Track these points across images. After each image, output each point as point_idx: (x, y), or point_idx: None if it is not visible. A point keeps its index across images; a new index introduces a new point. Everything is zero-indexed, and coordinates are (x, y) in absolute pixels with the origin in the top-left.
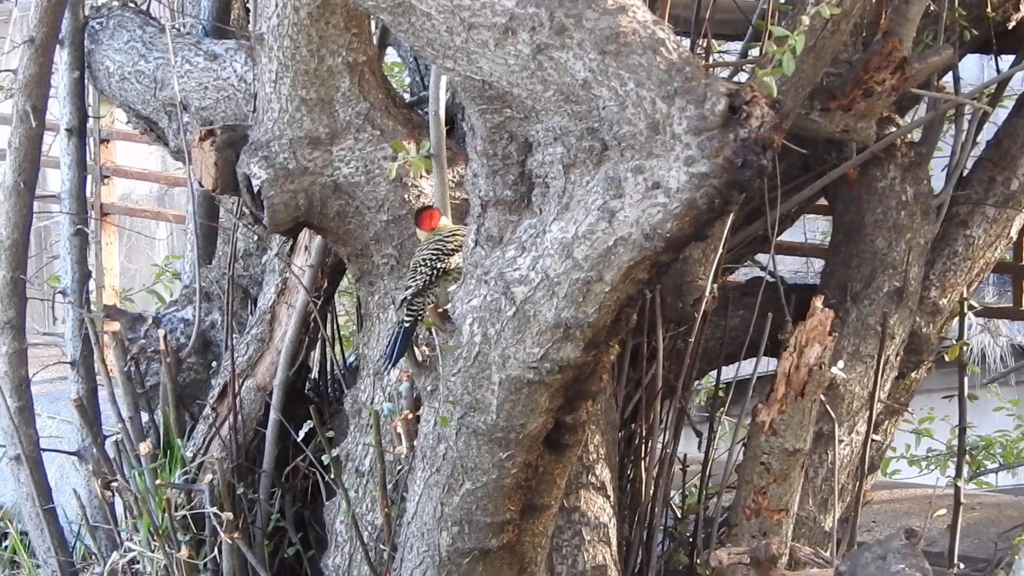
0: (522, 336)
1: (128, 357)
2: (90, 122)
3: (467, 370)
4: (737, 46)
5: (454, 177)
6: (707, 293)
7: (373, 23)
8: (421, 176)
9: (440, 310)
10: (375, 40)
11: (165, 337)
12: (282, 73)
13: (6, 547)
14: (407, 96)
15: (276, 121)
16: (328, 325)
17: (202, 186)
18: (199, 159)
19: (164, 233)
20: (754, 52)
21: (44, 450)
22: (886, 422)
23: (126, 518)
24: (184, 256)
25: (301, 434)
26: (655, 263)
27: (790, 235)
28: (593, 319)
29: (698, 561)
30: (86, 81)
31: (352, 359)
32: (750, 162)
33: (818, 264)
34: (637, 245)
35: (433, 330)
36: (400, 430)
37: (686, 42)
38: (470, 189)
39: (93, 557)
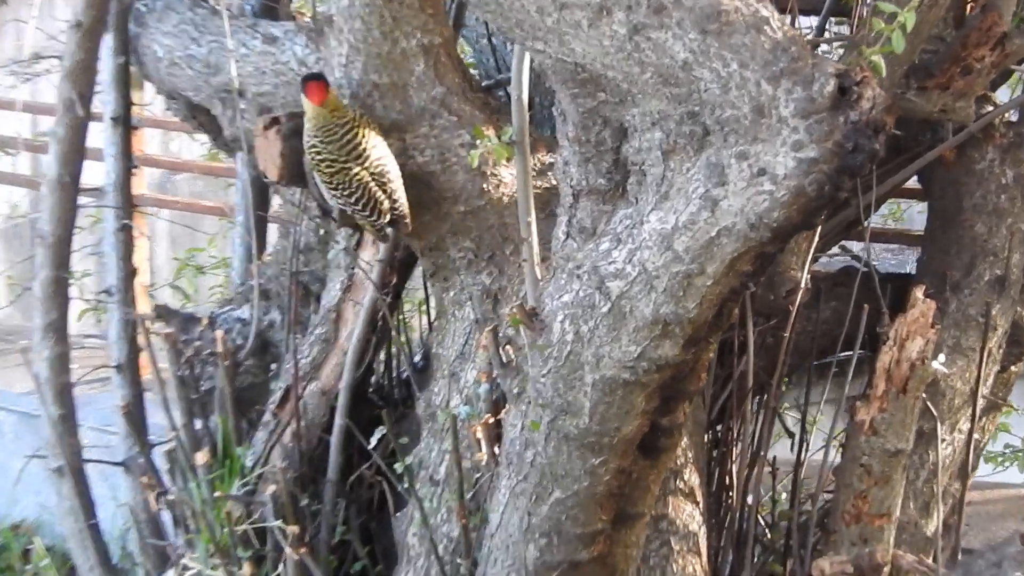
0: (617, 334)
1: (182, 360)
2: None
3: (558, 371)
4: (812, 21)
5: (535, 165)
6: (801, 284)
7: (448, 2)
8: (502, 164)
9: (529, 307)
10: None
11: (223, 339)
12: (353, 57)
13: (29, 564)
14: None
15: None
16: (397, 323)
17: (266, 178)
18: (263, 149)
19: (163, 225)
20: (840, 29)
21: (87, 461)
22: (984, 418)
23: (176, 533)
24: (233, 251)
25: (372, 441)
26: (760, 254)
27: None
28: (694, 314)
29: (793, 570)
30: (131, 67)
31: (419, 359)
32: (861, 146)
33: (906, 251)
34: (741, 235)
35: (520, 328)
36: (479, 435)
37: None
38: (560, 178)
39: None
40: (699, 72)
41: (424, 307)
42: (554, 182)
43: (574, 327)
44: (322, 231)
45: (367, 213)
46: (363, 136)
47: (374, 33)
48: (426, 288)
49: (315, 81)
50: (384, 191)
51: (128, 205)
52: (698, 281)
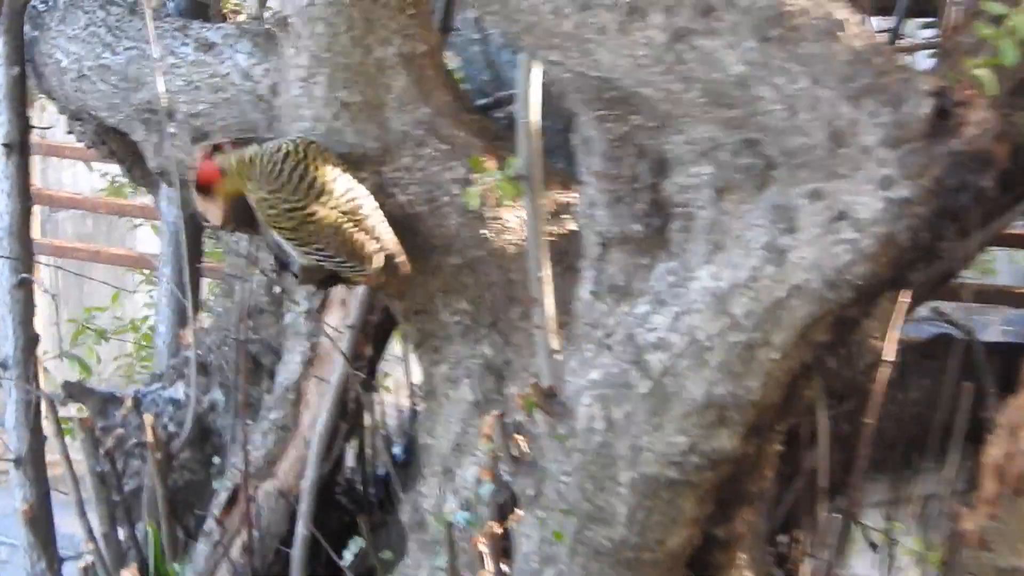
0: (660, 420)
1: (101, 452)
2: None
3: (585, 467)
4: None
5: (549, 206)
6: (885, 356)
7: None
8: (506, 205)
9: (546, 386)
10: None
11: (153, 425)
12: (315, 69)
13: None
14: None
15: (308, 133)
16: (372, 406)
17: (206, 222)
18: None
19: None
20: (924, 33)
21: None
22: None
23: None
24: (159, 313)
25: (346, 555)
26: (839, 320)
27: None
28: (756, 396)
29: None
30: (28, 80)
31: (401, 451)
32: (966, 183)
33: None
34: (816, 296)
35: (535, 413)
36: (483, 549)
37: None
38: (584, 223)
39: None
40: (758, 90)
41: (408, 386)
42: (574, 227)
43: (605, 412)
44: (276, 288)
45: (348, 263)
46: (317, 169)
47: (341, 39)
48: (408, 361)
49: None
50: (364, 230)
51: (27, 254)
52: (761, 354)
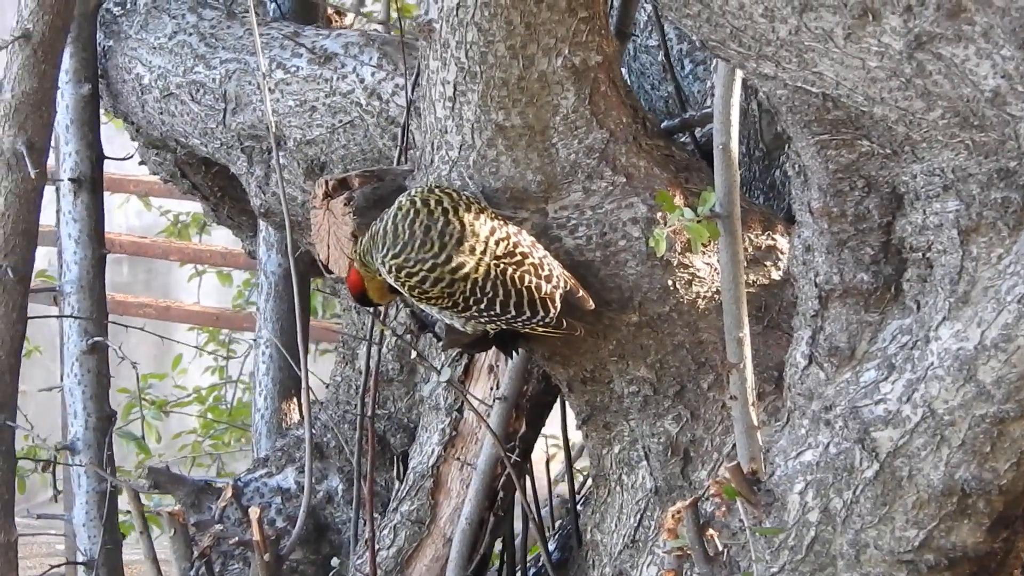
0: (889, 510)
1: (196, 553)
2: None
3: (797, 568)
4: None
5: (748, 250)
6: None
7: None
8: (697, 250)
9: (748, 469)
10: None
11: (259, 519)
12: (465, 85)
13: None
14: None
15: (455, 163)
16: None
17: (329, 272)
18: (322, 227)
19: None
20: None
21: None
22: None
23: None
24: (256, 383)
25: None
26: None
27: None
28: (1006, 480)
29: None
30: (101, 100)
31: (555, 548)
32: None
33: None
34: None
35: (735, 501)
36: None
37: None
38: (798, 272)
39: None
40: (1017, 108)
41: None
42: (780, 276)
43: (821, 500)
44: (411, 354)
45: (526, 315)
46: (447, 214)
47: (498, 48)
48: (566, 436)
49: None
50: (530, 270)
51: (101, 313)
52: (1014, 429)
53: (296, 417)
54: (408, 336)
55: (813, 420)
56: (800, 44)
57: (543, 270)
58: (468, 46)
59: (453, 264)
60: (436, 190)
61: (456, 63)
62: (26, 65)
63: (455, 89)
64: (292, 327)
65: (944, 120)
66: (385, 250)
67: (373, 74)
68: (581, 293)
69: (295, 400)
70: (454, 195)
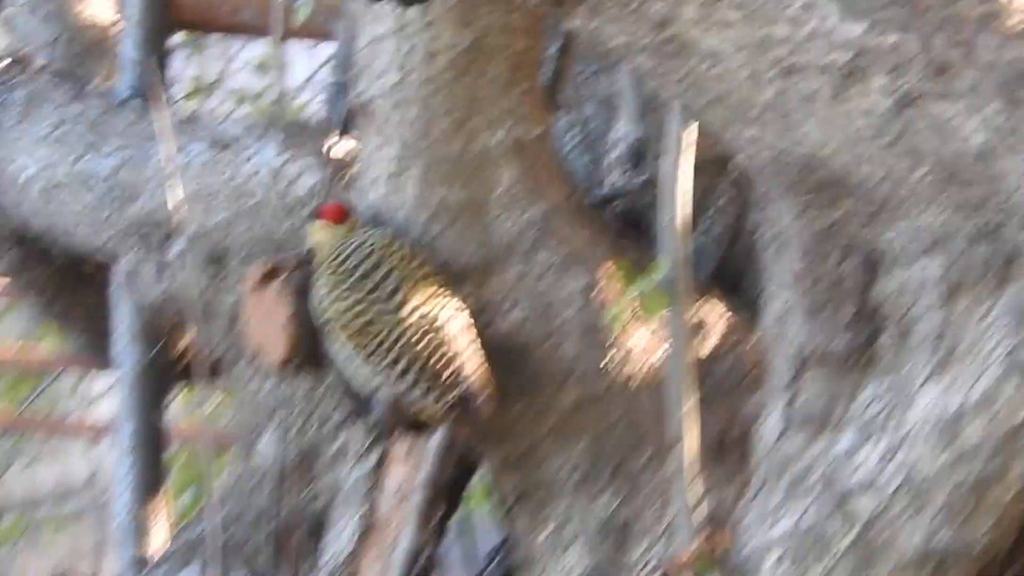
0: None
1: None
2: None
3: None
4: None
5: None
6: None
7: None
8: (637, 323)
9: (721, 535)
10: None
11: None
12: (407, 161)
13: None
14: None
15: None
16: None
17: (261, 358)
18: (256, 314)
19: None
20: None
21: None
22: None
23: None
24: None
25: None
26: None
27: None
28: (983, 543)
29: None
30: None
31: None
32: None
33: None
34: None
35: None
36: None
37: None
38: (772, 339)
39: None
40: (1003, 163)
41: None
42: (709, 350)
43: (796, 570)
44: (317, 434)
45: (423, 386)
46: (400, 270)
47: (440, 124)
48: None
49: (333, 203)
50: (445, 348)
51: None
52: (995, 492)
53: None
54: (353, 417)
55: (788, 489)
56: (784, 107)
57: (458, 360)
58: (410, 122)
59: (377, 307)
60: (400, 245)
61: (398, 139)
62: None
63: (397, 166)
64: (154, 422)
65: (930, 177)
66: (332, 264)
67: (276, 157)
68: (484, 396)
69: (159, 495)
70: (416, 256)
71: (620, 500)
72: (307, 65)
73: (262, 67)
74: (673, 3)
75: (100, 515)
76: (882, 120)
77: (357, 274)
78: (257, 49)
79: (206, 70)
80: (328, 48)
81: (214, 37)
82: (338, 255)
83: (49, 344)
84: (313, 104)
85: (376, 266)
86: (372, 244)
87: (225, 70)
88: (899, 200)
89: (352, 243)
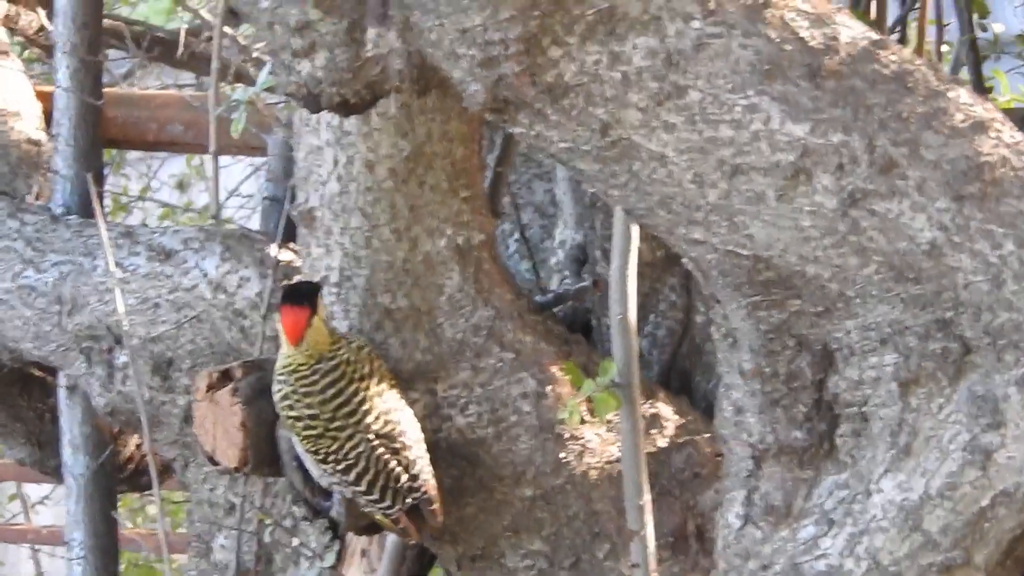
0: None
1: None
2: None
3: None
4: None
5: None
6: None
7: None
8: (589, 421)
9: None
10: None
11: None
12: (350, 271)
13: None
14: None
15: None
16: None
17: (215, 463)
18: (208, 421)
19: None
20: None
21: None
22: None
23: None
24: None
25: None
26: None
27: None
28: None
29: None
30: None
31: None
32: None
33: None
34: None
35: None
36: None
37: None
38: (728, 433)
39: None
40: (954, 259)
41: None
42: (666, 443)
43: None
44: (273, 533)
45: (374, 496)
46: (361, 384)
47: (382, 232)
48: None
49: (293, 306)
50: (398, 460)
51: None
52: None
53: None
54: (305, 521)
55: None
56: (731, 208)
57: (413, 469)
58: (352, 232)
59: (333, 425)
60: (367, 352)
61: (340, 249)
62: None
63: (340, 275)
64: (105, 528)
65: (879, 275)
66: (291, 373)
67: (217, 267)
68: (435, 507)
69: None
70: (379, 368)
71: None
72: (231, 179)
73: (181, 185)
74: (615, 107)
75: None
76: (829, 219)
77: (315, 396)
78: (175, 167)
79: (125, 188)
80: (250, 162)
81: (131, 155)
82: (299, 374)
83: None
84: (241, 216)
85: (338, 393)
86: (333, 368)
87: (147, 186)
88: (849, 297)
89: (313, 367)
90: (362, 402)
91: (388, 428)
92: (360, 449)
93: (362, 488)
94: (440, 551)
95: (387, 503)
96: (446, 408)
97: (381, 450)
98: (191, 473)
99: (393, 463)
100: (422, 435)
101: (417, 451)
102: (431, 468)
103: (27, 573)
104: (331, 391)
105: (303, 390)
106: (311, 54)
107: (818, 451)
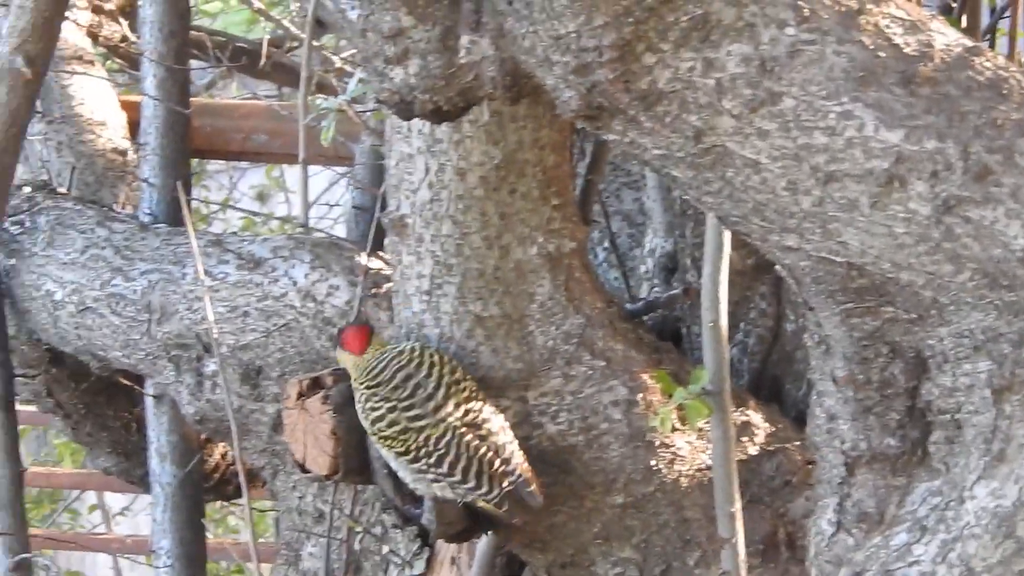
0: None
1: None
2: None
3: None
4: None
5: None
6: None
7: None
8: (680, 428)
9: None
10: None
11: None
12: (442, 278)
13: None
14: None
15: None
16: None
17: (305, 472)
18: (298, 429)
19: None
20: None
21: None
22: None
23: None
24: None
25: None
26: None
27: None
28: None
29: None
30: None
31: None
32: None
33: None
34: None
35: None
36: None
37: None
38: (821, 440)
39: None
40: None
41: None
42: (757, 451)
43: None
44: (362, 541)
45: (471, 483)
46: (433, 371)
47: (473, 240)
48: None
49: (351, 327)
50: (487, 446)
51: (23, 530)
52: None
53: None
54: (396, 527)
55: None
56: (824, 215)
57: (503, 453)
58: (443, 239)
59: (412, 414)
60: (437, 351)
61: (431, 256)
62: None
63: (431, 283)
64: (192, 537)
65: (973, 282)
66: (365, 379)
67: (306, 276)
68: (532, 488)
69: None
70: (448, 361)
71: None
72: (314, 189)
73: (261, 196)
74: (709, 114)
75: None
76: (923, 226)
77: (389, 386)
78: (255, 179)
79: (206, 199)
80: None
81: (212, 167)
82: (369, 371)
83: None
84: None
85: (408, 377)
86: (401, 357)
87: (228, 197)
88: (943, 304)
89: (382, 359)
90: (438, 387)
91: (471, 416)
92: (447, 438)
93: (457, 477)
94: (530, 558)
95: (485, 488)
96: (537, 416)
97: (469, 436)
98: (280, 481)
99: (483, 448)
100: (506, 423)
101: (504, 437)
102: (522, 452)
103: None
104: (401, 375)
105: (376, 382)
106: (404, 61)
107: (911, 458)
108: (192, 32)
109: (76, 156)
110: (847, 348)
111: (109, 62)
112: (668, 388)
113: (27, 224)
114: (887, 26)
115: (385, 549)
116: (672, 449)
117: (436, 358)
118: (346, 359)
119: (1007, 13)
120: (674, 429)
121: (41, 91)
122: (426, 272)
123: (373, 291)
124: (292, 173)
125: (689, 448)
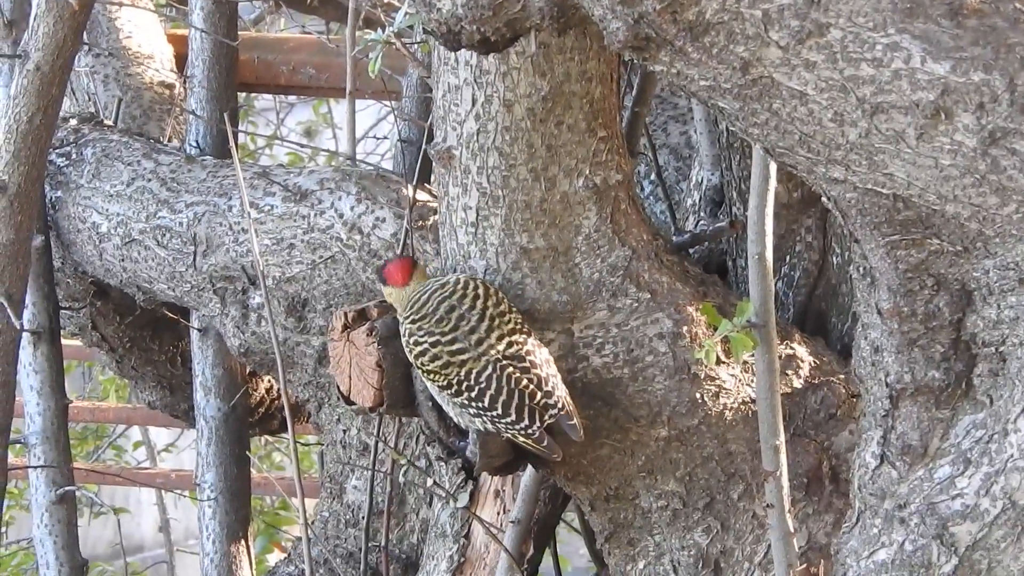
0: None
1: None
2: None
3: None
4: None
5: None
6: None
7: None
8: (724, 361)
9: (818, 566)
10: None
11: None
12: (488, 210)
13: None
14: None
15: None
16: None
17: (350, 404)
18: (344, 361)
19: None
20: None
21: None
22: None
23: None
24: (204, 525)
25: None
26: None
27: None
28: None
29: None
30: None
31: None
32: None
33: None
34: None
35: None
36: None
37: None
38: (866, 373)
39: None
40: None
41: None
42: (801, 384)
43: None
44: (406, 474)
45: (511, 417)
46: (477, 303)
47: (519, 172)
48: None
49: (394, 260)
50: (528, 378)
51: (67, 463)
52: None
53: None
54: (440, 462)
55: (886, 519)
56: (870, 147)
57: (545, 386)
58: (489, 171)
59: (454, 347)
60: (482, 282)
61: (478, 188)
62: (3, 217)
63: (477, 214)
64: (236, 471)
65: (1019, 214)
66: (409, 312)
67: (352, 208)
68: (574, 421)
69: (243, 543)
70: (494, 292)
71: (714, 534)
72: (361, 125)
73: (309, 132)
74: (756, 46)
75: (171, 567)
76: (969, 158)
77: (433, 319)
78: (303, 115)
79: (252, 136)
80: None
81: (259, 103)
82: (413, 303)
83: (114, 401)
84: (373, 159)
85: (452, 308)
86: (444, 289)
87: (276, 132)
88: (988, 236)
89: (425, 291)
90: (481, 319)
91: (514, 349)
92: (488, 371)
93: (498, 411)
94: (574, 491)
95: (525, 422)
96: (582, 348)
97: (511, 369)
98: (325, 414)
99: (525, 381)
100: (550, 356)
101: (548, 369)
102: (564, 386)
103: (152, 520)
104: (444, 306)
105: (420, 315)
106: None
107: (955, 391)
108: None
109: (123, 89)
110: (892, 280)
111: None
112: (713, 320)
113: (73, 156)
114: None
115: (429, 482)
116: (717, 382)
117: (481, 290)
118: (390, 292)
119: None
120: (719, 362)
121: (88, 24)
122: (472, 204)
123: (419, 223)
124: (339, 110)
125: (734, 381)
